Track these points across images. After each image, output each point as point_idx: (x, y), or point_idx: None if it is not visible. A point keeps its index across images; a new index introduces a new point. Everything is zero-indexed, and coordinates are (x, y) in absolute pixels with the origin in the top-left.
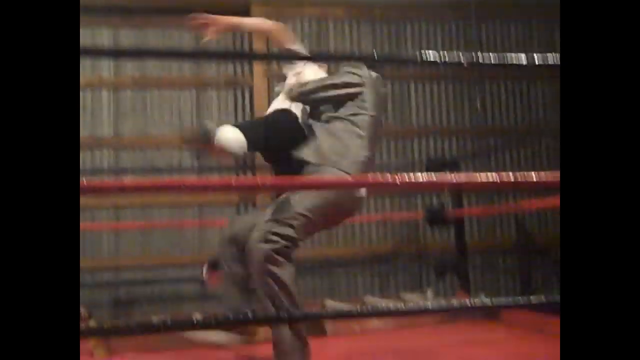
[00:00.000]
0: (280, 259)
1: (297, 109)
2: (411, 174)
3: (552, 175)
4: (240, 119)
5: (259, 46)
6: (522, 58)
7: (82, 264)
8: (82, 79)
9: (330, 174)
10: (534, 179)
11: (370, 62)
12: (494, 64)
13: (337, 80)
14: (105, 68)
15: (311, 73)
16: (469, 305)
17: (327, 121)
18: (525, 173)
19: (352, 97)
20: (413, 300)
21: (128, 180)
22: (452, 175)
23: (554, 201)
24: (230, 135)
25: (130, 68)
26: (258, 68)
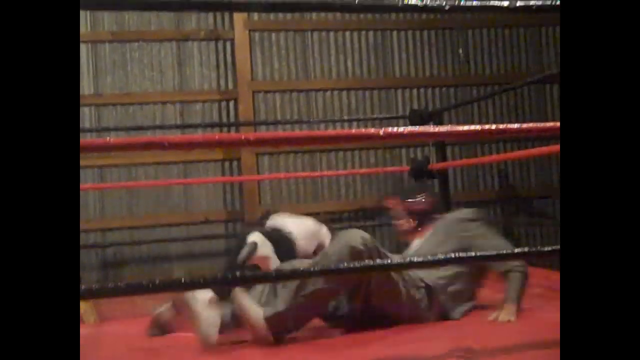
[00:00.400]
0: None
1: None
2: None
3: (536, 125)
4: (222, 72)
5: None
6: (504, 3)
7: None
8: None
9: None
10: (516, 128)
11: (351, 10)
12: (474, 8)
13: None
14: (82, 22)
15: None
16: (454, 258)
17: None
18: (508, 124)
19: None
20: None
21: (112, 138)
22: (436, 126)
23: (537, 151)
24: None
25: (107, 21)
26: (239, 19)
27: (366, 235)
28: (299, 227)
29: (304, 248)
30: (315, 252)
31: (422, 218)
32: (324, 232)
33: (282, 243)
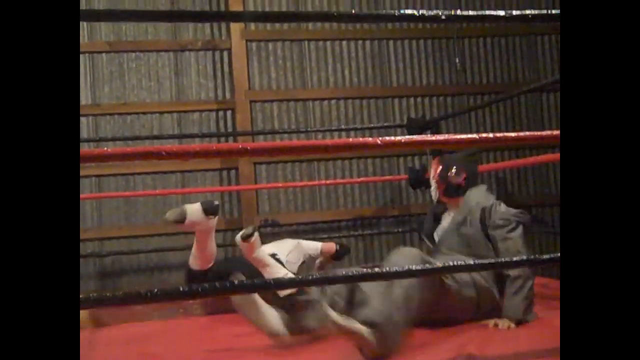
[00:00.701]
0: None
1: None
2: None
3: (533, 133)
4: (219, 82)
5: (235, 7)
6: (500, 12)
7: None
8: None
9: None
10: (514, 136)
11: (347, 20)
12: (470, 17)
13: None
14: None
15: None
16: (452, 266)
17: None
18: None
19: None
20: None
21: (109, 148)
22: (433, 135)
23: (535, 159)
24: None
25: (104, 32)
26: (235, 29)
27: (418, 250)
28: (279, 247)
29: (289, 261)
30: (304, 262)
31: (450, 190)
32: (304, 244)
33: None
